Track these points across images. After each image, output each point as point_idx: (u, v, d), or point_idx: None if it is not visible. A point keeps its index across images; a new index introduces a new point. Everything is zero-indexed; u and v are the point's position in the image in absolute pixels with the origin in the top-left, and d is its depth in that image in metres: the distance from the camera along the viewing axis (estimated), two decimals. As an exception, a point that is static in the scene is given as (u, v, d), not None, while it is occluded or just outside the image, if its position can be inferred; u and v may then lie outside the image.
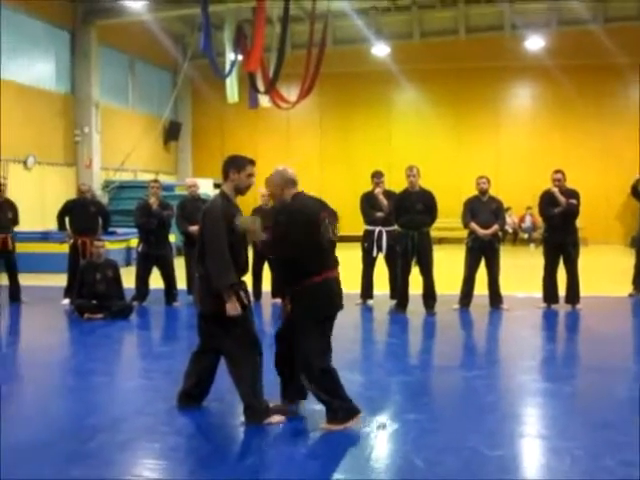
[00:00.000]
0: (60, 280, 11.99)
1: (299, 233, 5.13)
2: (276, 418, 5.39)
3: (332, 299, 5.31)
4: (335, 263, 5.39)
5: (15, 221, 11.88)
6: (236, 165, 5.53)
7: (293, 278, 5.26)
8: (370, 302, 11.15)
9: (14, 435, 5.27)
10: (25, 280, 12.15)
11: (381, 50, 23.66)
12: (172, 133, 25.73)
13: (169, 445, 5.01)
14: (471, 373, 7.09)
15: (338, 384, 5.29)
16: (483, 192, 10.79)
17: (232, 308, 5.31)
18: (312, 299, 5.20)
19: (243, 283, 5.56)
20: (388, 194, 10.93)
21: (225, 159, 5.64)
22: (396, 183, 11.82)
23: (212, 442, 5.09)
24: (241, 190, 5.57)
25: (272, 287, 11.15)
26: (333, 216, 5.38)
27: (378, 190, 10.91)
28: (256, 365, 5.47)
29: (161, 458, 4.79)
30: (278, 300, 10.70)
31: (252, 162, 5.61)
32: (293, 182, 5.40)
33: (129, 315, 10.28)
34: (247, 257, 5.65)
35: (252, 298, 11.19)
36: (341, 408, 5.23)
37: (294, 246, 5.13)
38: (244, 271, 5.58)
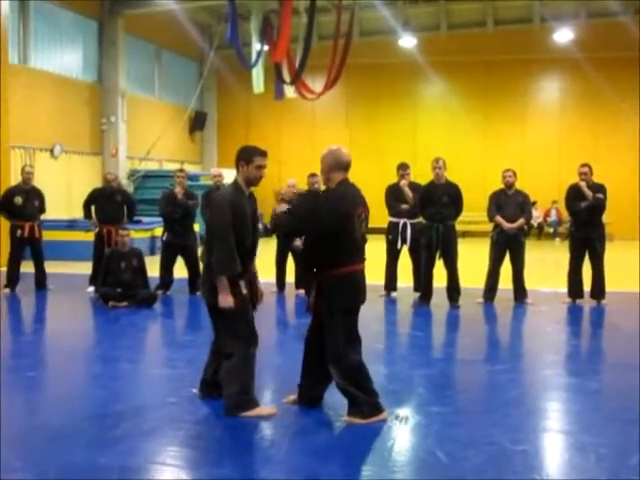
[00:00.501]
0: (85, 268, 12.08)
1: (334, 221, 5.12)
2: (264, 410, 5.37)
3: (358, 291, 5.29)
4: (363, 259, 5.38)
5: (42, 209, 11.98)
6: (245, 157, 5.46)
7: (321, 266, 5.25)
8: (394, 294, 11.13)
9: (41, 421, 5.32)
10: (51, 268, 12.26)
11: (408, 42, 23.51)
12: (198, 123, 25.79)
13: (192, 434, 5.04)
14: (495, 367, 7.06)
15: (367, 377, 5.27)
16: (509, 185, 10.71)
17: (224, 300, 5.25)
18: (338, 289, 5.18)
19: (252, 275, 5.55)
20: (413, 186, 10.89)
21: (237, 150, 5.60)
22: (421, 175, 11.79)
23: (235, 431, 5.10)
24: (251, 182, 5.53)
25: (296, 278, 11.18)
26: (367, 212, 5.37)
27: (403, 182, 10.87)
28: (249, 360, 5.39)
29: (185, 446, 4.82)
30: (301, 291, 10.73)
31: (262, 153, 5.49)
32: (344, 167, 5.33)
33: (153, 304, 10.34)
34: (255, 245, 5.60)
35: (275, 289, 11.33)
36: (367, 403, 5.21)
37: (325, 232, 5.12)
38: (249, 258, 5.53)
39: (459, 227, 11.15)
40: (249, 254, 5.50)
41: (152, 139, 22.14)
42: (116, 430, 5.03)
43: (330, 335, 5.22)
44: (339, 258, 5.18)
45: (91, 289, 11.39)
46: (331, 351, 5.24)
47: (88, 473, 4.31)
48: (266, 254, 9.61)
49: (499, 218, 10.55)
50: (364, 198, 5.39)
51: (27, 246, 11.81)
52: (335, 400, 5.46)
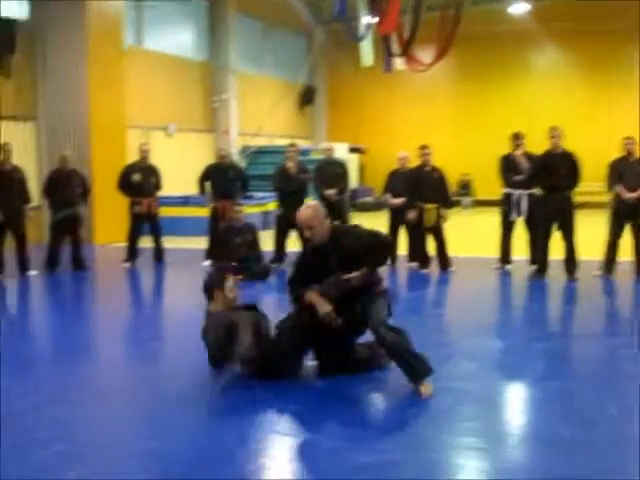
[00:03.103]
0: (199, 243, 12.33)
1: None
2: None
3: None
4: None
5: (158, 186, 12.27)
6: None
7: None
8: (508, 267, 10.91)
9: (157, 392, 5.49)
10: (167, 243, 12.54)
11: (519, 8, 22.91)
12: (307, 98, 25.89)
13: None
14: (614, 341, 6.84)
15: None
16: (630, 153, 10.30)
17: None
18: None
19: None
20: (528, 156, 10.61)
21: None
22: (534, 145, 11.47)
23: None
24: None
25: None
26: None
27: (518, 152, 10.61)
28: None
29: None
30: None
31: None
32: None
33: (267, 277, 10.49)
34: None
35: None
36: None
37: None
38: None
39: (577, 198, 10.79)
40: None
41: (262, 115, 22.38)
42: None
43: None
44: None
45: (207, 263, 11.63)
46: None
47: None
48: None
49: (619, 187, 10.16)
50: None
51: (145, 222, 12.16)
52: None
